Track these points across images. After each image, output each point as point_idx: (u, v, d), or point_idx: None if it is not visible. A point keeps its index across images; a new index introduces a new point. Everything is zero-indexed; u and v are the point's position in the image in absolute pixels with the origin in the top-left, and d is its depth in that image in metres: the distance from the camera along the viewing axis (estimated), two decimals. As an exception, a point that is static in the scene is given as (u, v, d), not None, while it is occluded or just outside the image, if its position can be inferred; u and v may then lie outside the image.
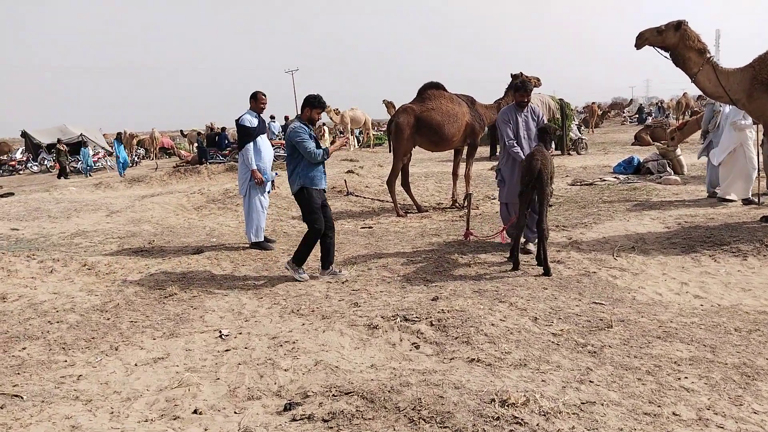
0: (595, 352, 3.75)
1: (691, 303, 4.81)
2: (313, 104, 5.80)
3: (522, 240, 6.15)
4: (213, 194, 11.25)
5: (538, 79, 9.80)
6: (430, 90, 9.29)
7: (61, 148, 23.38)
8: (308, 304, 5.03)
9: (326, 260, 5.94)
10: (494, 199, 10.34)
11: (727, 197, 8.52)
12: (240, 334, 4.44)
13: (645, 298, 4.97)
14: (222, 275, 6.16)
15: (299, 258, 5.84)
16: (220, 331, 4.49)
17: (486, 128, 9.87)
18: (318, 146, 5.76)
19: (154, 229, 8.81)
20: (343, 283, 5.68)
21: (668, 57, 7.01)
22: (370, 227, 8.48)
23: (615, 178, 12.04)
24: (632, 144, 21.35)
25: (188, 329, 4.63)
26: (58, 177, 22.22)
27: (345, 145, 6.02)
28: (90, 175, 22.38)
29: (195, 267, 6.46)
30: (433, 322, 4.31)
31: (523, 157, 6.25)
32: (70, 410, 3.35)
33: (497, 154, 19.39)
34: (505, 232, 6.69)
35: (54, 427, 3.13)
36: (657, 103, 44.89)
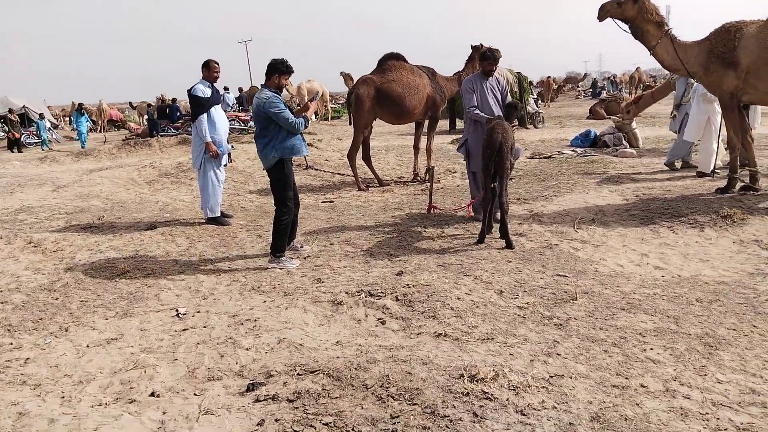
0: (561, 325, 3.74)
1: (652, 274, 4.88)
2: (281, 69, 5.26)
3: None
4: (165, 168, 10.84)
5: (498, 51, 9.70)
6: (391, 61, 9.10)
7: (13, 118, 22.08)
8: (269, 281, 4.88)
9: (290, 237, 5.65)
10: (455, 172, 10.31)
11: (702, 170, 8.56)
12: (198, 312, 4.26)
13: (607, 270, 5.02)
14: (178, 251, 5.93)
15: (278, 247, 5.36)
16: (177, 310, 4.30)
17: (446, 101, 9.76)
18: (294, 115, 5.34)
19: (104, 205, 8.43)
20: (305, 258, 5.54)
21: (627, 30, 7.03)
22: (331, 201, 8.32)
23: (573, 151, 12.17)
24: (587, 118, 21.68)
25: (143, 308, 4.42)
26: (9, 149, 20.81)
27: (314, 108, 5.52)
28: (50, 148, 20.96)
29: (148, 243, 6.19)
30: (399, 297, 4.23)
31: (486, 116, 6.21)
32: (16, 396, 3.14)
33: (456, 127, 19.43)
34: (471, 206, 6.66)
35: (-2, 416, 2.93)
36: (610, 78, 45.70)
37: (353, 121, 9.08)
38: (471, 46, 9.53)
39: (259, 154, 5.38)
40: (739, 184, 7.00)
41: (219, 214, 7.03)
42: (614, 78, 44.22)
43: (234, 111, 22.15)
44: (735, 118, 6.79)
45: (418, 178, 9.60)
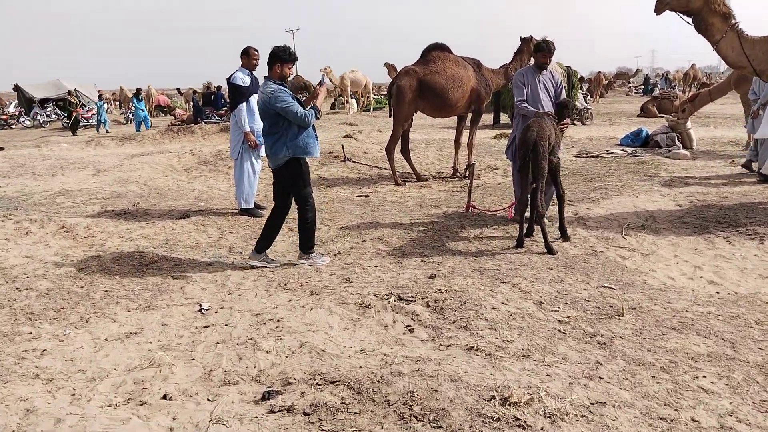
0: (605, 344, 3.44)
1: (706, 289, 4.49)
2: (284, 58, 4.83)
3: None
4: (205, 155, 10.84)
5: (553, 43, 9.28)
6: (435, 52, 8.80)
7: (73, 100, 22.59)
8: (297, 278, 4.71)
9: (269, 240, 5.16)
10: (497, 169, 9.96)
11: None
12: (221, 308, 4.13)
13: (657, 283, 4.66)
14: (208, 242, 5.83)
15: (307, 244, 5.09)
16: (201, 305, 4.18)
17: (491, 94, 9.40)
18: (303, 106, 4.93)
19: (141, 191, 8.45)
20: (335, 255, 5.35)
21: (690, 22, 6.55)
22: (366, 196, 8.12)
23: (622, 150, 11.63)
24: (638, 116, 20.84)
25: (166, 301, 4.31)
26: (72, 130, 20.90)
27: (325, 95, 5.22)
28: (108, 131, 21.09)
29: (179, 233, 6.12)
30: (430, 303, 3.99)
31: (534, 110, 5.91)
32: (27, 391, 3.04)
33: (500, 122, 18.95)
34: (513, 208, 6.35)
35: (6, 411, 2.83)
36: (663, 75, 44.03)
37: (393, 113, 8.83)
38: (520, 38, 9.16)
39: (268, 153, 4.96)
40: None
41: (252, 206, 6.91)
42: (667, 75, 42.60)
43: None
44: (805, 121, 6.26)
45: (458, 174, 9.30)
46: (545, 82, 6.15)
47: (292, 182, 5.00)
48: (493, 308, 3.90)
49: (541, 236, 5.46)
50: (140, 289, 4.57)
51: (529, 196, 5.51)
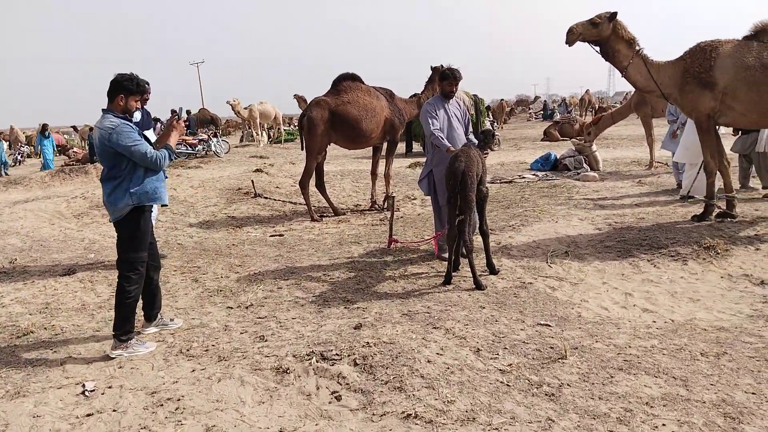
0: (553, 395, 3.11)
1: (642, 319, 4.32)
2: (130, 89, 3.97)
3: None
4: (98, 198, 9.84)
5: (458, 71, 9.23)
6: (346, 82, 8.49)
7: None
8: (201, 341, 4.10)
9: (152, 309, 4.34)
10: (415, 199, 9.72)
11: (696, 196, 8.15)
12: (109, 388, 3.45)
13: (591, 315, 4.45)
14: (96, 303, 5.07)
15: (122, 326, 3.96)
16: (84, 385, 3.48)
17: (405, 124, 9.18)
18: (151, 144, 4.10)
19: (22, 243, 7.45)
20: (247, 308, 4.78)
21: (598, 51, 6.63)
22: (281, 235, 7.56)
23: (534, 175, 11.78)
24: (542, 140, 21.63)
25: (41, 384, 3.57)
26: None
27: (182, 132, 4.35)
28: (7, 173, 18.82)
29: (63, 293, 5.31)
30: (357, 361, 3.53)
31: (448, 145, 5.66)
32: None
33: (413, 150, 18.94)
34: (439, 240, 6.05)
35: None
36: (561, 100, 46.50)
37: (306, 146, 8.39)
38: (431, 66, 9.02)
39: (106, 202, 4.05)
40: (715, 211, 6.61)
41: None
42: (565, 100, 45.02)
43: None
44: (712, 141, 6.42)
45: (377, 206, 8.96)
46: (454, 110, 5.96)
47: (123, 242, 4.01)
48: (429, 361, 3.49)
49: (469, 270, 5.17)
50: (10, 371, 3.79)
51: (456, 229, 5.22)
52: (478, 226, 5.53)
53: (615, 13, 6.35)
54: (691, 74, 6.21)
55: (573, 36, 6.50)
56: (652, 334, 3.93)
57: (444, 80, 5.90)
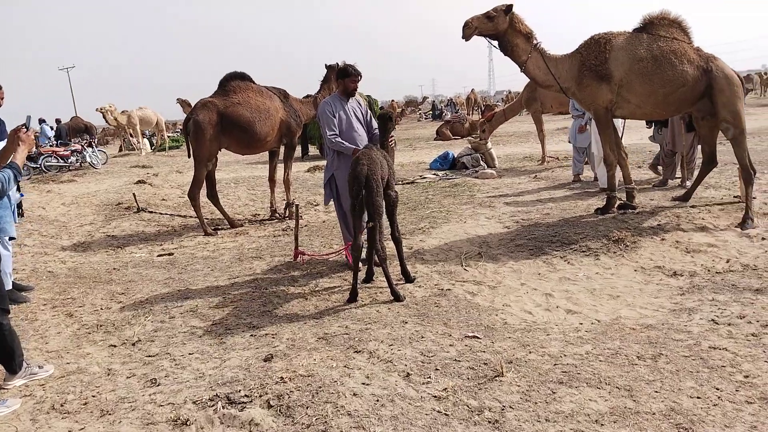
0: (497, 420, 2.79)
1: (568, 322, 4.16)
2: None
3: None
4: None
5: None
6: (235, 81, 7.83)
7: None
8: (79, 391, 3.40)
9: (12, 359, 3.53)
10: (317, 205, 9.24)
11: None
12: (-47, 471, 2.70)
13: (517, 321, 4.22)
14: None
15: (8, 361, 3.51)
16: None
17: (302, 126, 8.65)
18: None
19: None
20: (134, 345, 4.09)
21: (496, 46, 6.52)
22: (170, 254, 6.78)
23: (434, 174, 11.71)
24: (435, 139, 21.90)
25: None
26: None
27: (30, 147, 3.66)
28: None
29: None
30: (272, 402, 3.02)
31: (352, 147, 5.25)
32: None
33: (309, 153, 18.37)
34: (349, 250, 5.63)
35: None
36: (448, 100, 47.73)
37: (193, 153, 7.64)
38: (326, 65, 8.59)
39: None
40: (617, 203, 6.72)
41: (10, 287, 5.24)
42: (452, 100, 46.26)
43: (51, 146, 19.18)
44: (611, 133, 6.52)
45: (277, 215, 8.37)
46: (355, 110, 5.56)
47: None
48: (355, 394, 3.06)
49: (384, 281, 4.79)
50: None
51: (368, 237, 4.83)
52: (389, 233, 5.17)
53: (510, 6, 6.25)
54: (588, 67, 6.25)
55: (469, 30, 6.34)
56: (584, 339, 3.75)
57: (345, 77, 5.48)
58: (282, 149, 8.36)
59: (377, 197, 4.63)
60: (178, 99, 22.03)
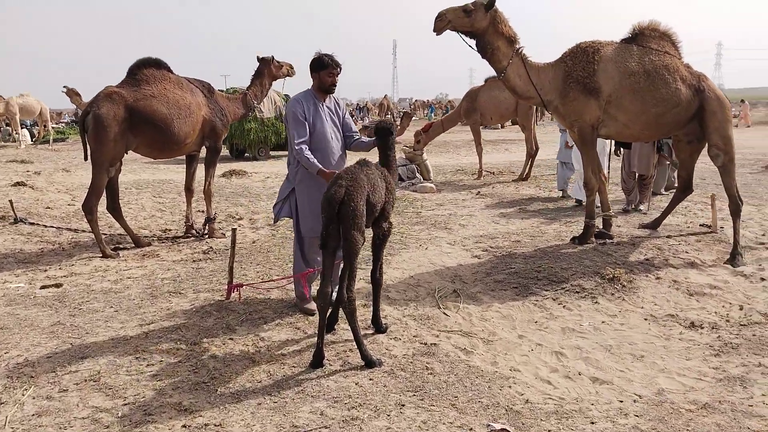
0: None
1: (604, 398, 3.28)
2: None
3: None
4: None
5: (291, 66, 7.69)
6: (149, 69, 6.37)
7: None
8: None
9: None
10: (241, 219, 7.94)
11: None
12: None
13: (540, 398, 3.29)
14: None
15: None
16: None
17: (228, 127, 7.31)
18: None
19: None
20: (2, 451, 2.73)
21: (473, 46, 5.64)
22: (58, 285, 5.21)
23: (368, 186, 10.70)
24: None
25: None
26: None
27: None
28: None
29: None
30: None
31: (318, 167, 4.14)
32: None
33: (248, 155, 16.62)
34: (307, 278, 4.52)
35: None
36: (361, 106, 46.97)
37: (92, 156, 6.10)
38: (257, 57, 7.35)
39: None
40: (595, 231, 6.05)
41: None
42: (366, 105, 45.57)
43: None
44: (595, 155, 5.83)
45: (194, 231, 6.98)
46: (330, 112, 4.44)
47: None
48: None
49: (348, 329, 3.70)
50: None
51: (337, 280, 3.73)
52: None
53: (493, 2, 5.39)
54: (574, 79, 5.53)
55: (441, 23, 5.43)
56: (633, 426, 2.87)
57: (321, 69, 4.31)
58: (204, 153, 7.00)
59: (354, 231, 3.54)
60: (65, 87, 19.46)
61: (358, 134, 4.54)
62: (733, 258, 5.41)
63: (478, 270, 5.41)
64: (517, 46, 5.56)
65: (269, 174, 12.54)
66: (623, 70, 5.47)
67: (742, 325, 4.17)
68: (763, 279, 5.05)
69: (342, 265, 3.83)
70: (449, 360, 3.71)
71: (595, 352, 3.86)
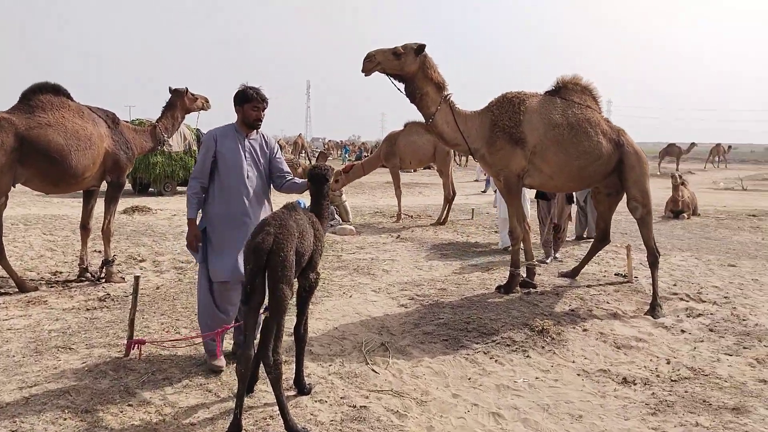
0: None
1: (552, 468, 3.07)
2: None
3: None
4: None
5: (207, 100, 7.26)
6: (45, 95, 5.74)
7: None
8: None
9: None
10: (143, 261, 7.26)
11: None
12: None
13: (483, 467, 3.03)
14: None
15: None
16: None
17: (134, 161, 6.71)
18: None
19: None
20: None
21: (402, 90, 5.53)
22: None
23: (285, 227, 10.27)
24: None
25: None
26: None
27: None
28: None
29: None
30: None
31: (192, 216, 3.83)
32: None
33: (153, 190, 15.52)
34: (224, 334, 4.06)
35: None
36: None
37: (-30, 188, 5.36)
38: (170, 89, 6.88)
39: None
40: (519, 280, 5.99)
41: None
42: (277, 143, 44.99)
43: None
44: (520, 204, 5.81)
45: (89, 275, 6.26)
46: (254, 150, 4.10)
47: None
48: None
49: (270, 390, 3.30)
50: None
51: (259, 341, 3.32)
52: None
53: (423, 46, 5.33)
54: (501, 128, 5.52)
55: (370, 64, 5.29)
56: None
57: (245, 102, 3.99)
58: (104, 188, 6.36)
59: (283, 284, 3.19)
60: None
61: (290, 174, 4.22)
62: (653, 309, 5.49)
63: (406, 321, 5.15)
64: (446, 93, 5.50)
65: (176, 211, 11.80)
66: (548, 121, 5.53)
67: (672, 380, 4.14)
68: (683, 331, 5.13)
69: (262, 322, 3.43)
70: (381, 426, 3.38)
71: (533, 413, 3.67)
